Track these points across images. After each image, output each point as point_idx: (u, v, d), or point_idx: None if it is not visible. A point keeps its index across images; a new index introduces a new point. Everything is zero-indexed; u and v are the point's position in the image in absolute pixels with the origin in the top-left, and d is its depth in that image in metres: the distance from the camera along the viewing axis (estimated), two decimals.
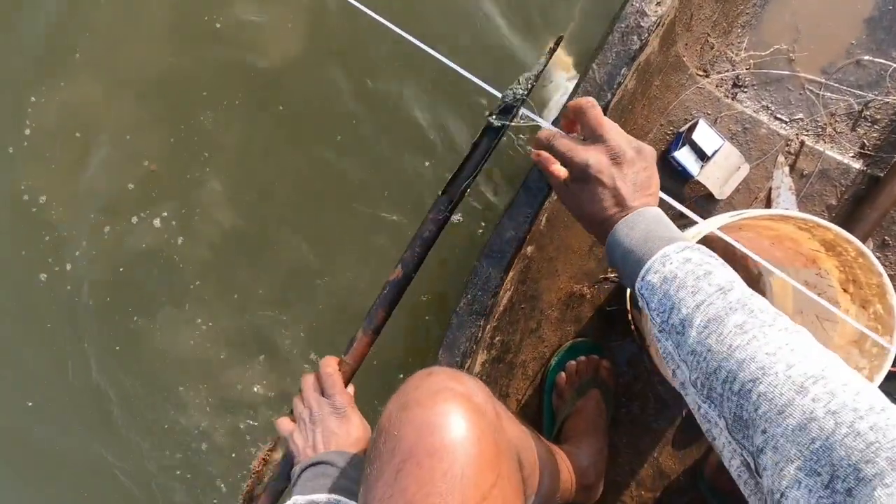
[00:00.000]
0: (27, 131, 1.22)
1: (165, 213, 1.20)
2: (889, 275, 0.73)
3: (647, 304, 0.55)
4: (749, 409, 0.43)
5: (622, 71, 0.81)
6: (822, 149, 1.01)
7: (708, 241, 0.71)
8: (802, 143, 1.02)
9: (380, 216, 1.17)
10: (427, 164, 1.16)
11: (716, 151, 0.96)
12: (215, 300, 1.20)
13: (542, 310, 1.02)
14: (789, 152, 1.03)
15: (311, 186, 1.19)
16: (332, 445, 0.68)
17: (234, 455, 1.18)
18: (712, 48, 1.07)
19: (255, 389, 1.19)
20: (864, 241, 0.95)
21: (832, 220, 1.00)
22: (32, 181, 1.22)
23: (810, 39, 1.06)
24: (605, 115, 0.64)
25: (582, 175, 0.63)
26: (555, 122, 0.71)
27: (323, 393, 0.72)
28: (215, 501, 1.18)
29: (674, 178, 1.01)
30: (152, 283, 1.20)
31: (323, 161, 1.18)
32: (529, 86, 0.73)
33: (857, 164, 1.01)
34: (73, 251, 1.21)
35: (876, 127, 1.03)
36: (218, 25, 1.19)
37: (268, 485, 0.75)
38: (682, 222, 0.75)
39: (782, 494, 0.39)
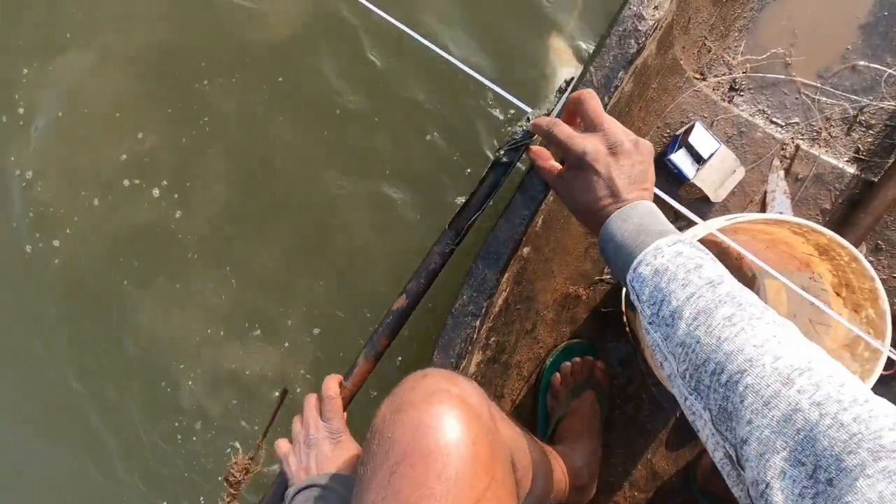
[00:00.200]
0: (19, 107, 1.21)
1: (165, 183, 1.19)
2: (882, 279, 0.73)
3: (638, 297, 0.56)
4: (735, 400, 0.44)
5: (619, 74, 0.81)
6: (817, 153, 1.02)
7: (703, 244, 0.71)
8: (798, 147, 1.03)
9: (381, 191, 1.16)
10: (428, 137, 1.15)
11: (712, 154, 0.97)
12: (212, 275, 1.18)
13: (537, 311, 1.02)
14: (784, 156, 1.03)
15: (312, 160, 1.18)
16: (325, 469, 0.68)
17: (225, 431, 1.17)
18: (709, 51, 1.07)
19: (251, 367, 1.17)
20: (857, 245, 0.96)
21: (826, 225, 1.00)
22: (22, 155, 1.21)
23: (807, 44, 1.06)
24: None
25: (578, 163, 0.63)
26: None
27: (322, 415, 0.73)
28: (208, 467, 1.17)
29: (669, 181, 1.01)
30: (147, 257, 1.19)
31: (324, 135, 1.17)
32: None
33: (851, 169, 1.01)
34: (64, 226, 1.20)
35: (870, 132, 1.03)
36: None
37: None
38: (679, 224, 0.75)
39: (767, 485, 0.39)
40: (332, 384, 0.75)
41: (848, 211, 1.00)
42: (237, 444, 0.77)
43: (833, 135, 1.04)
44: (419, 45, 0.72)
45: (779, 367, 0.43)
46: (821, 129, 1.05)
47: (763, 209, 1.03)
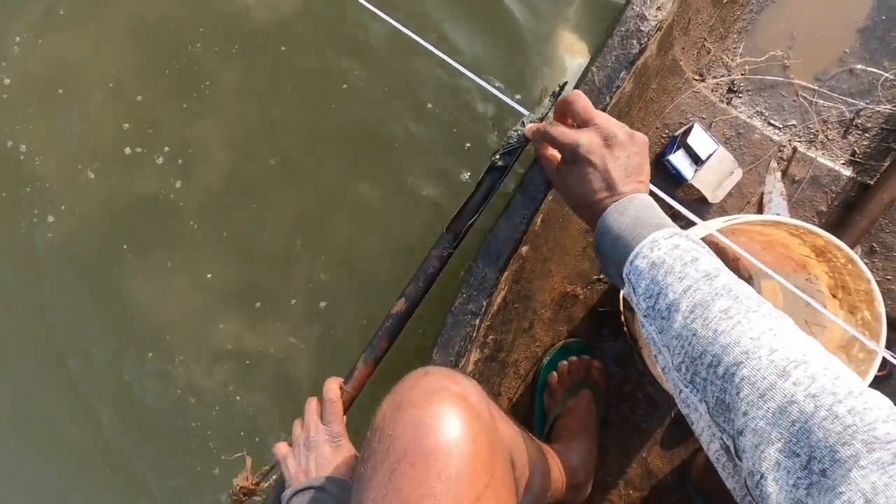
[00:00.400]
0: (7, 80, 1.20)
1: (166, 149, 1.17)
2: (876, 281, 0.74)
3: (634, 290, 0.55)
4: (731, 392, 0.44)
5: (621, 74, 0.81)
6: (813, 155, 1.03)
7: None
8: (795, 150, 1.03)
9: (384, 164, 1.15)
10: (430, 105, 1.15)
11: (710, 156, 0.97)
12: (212, 247, 1.17)
13: (535, 309, 1.02)
14: (782, 158, 1.04)
15: (315, 132, 1.17)
16: (324, 472, 0.68)
17: (217, 409, 1.16)
18: (709, 53, 1.08)
19: (250, 341, 1.16)
20: (852, 247, 0.97)
21: (822, 227, 1.01)
22: (16, 128, 1.20)
23: (805, 47, 1.07)
24: None
25: (572, 157, 0.63)
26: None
27: (322, 418, 0.73)
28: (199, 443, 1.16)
29: (668, 182, 1.02)
30: (145, 229, 1.18)
31: (328, 107, 1.16)
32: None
33: (847, 172, 1.02)
34: (60, 197, 1.18)
35: (866, 135, 1.04)
36: None
37: None
38: (678, 224, 0.75)
39: (762, 476, 0.40)
40: (332, 387, 0.75)
41: (844, 213, 1.00)
42: (245, 455, 0.77)
43: (830, 137, 1.05)
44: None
45: (775, 359, 0.43)
46: (818, 131, 1.05)
47: (760, 211, 1.03)
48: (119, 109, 1.19)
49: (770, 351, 0.44)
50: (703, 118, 1.04)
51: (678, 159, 0.98)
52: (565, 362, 0.99)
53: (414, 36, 0.73)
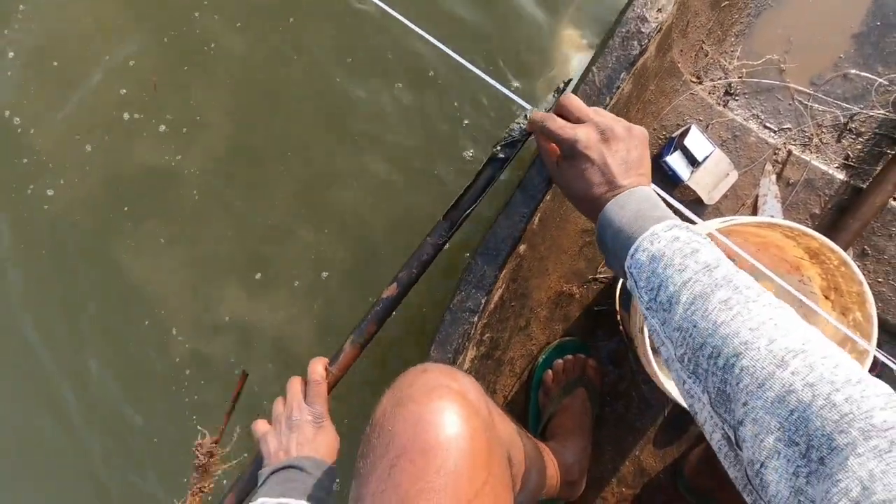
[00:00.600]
0: (10, 52, 1.19)
1: (169, 118, 1.17)
2: (868, 283, 0.75)
3: (636, 283, 0.56)
4: (732, 382, 0.44)
5: (622, 75, 0.82)
6: (808, 158, 1.04)
7: None
8: (790, 153, 1.04)
9: (386, 139, 1.15)
10: (431, 73, 1.15)
11: (706, 157, 0.98)
12: (212, 218, 1.16)
13: (531, 308, 1.03)
14: (777, 161, 1.05)
15: (320, 104, 1.16)
16: (305, 452, 0.67)
17: (216, 383, 1.15)
18: (706, 55, 1.08)
19: (250, 313, 1.15)
20: (845, 249, 0.98)
21: (815, 229, 1.02)
22: (13, 100, 1.19)
23: (801, 51, 1.08)
24: None
25: (571, 152, 0.63)
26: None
27: (305, 398, 0.72)
28: (195, 419, 1.15)
29: (664, 183, 1.03)
30: (146, 199, 1.17)
31: (332, 78, 1.16)
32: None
33: (841, 175, 1.03)
34: (58, 171, 1.17)
35: (860, 139, 1.06)
36: None
37: (235, 485, 0.73)
38: None
39: (762, 465, 0.40)
40: (318, 367, 0.73)
41: (837, 216, 1.02)
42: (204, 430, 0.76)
43: (824, 141, 1.07)
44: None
45: (773, 349, 0.43)
46: (812, 135, 1.06)
47: (754, 212, 1.05)
48: (117, 78, 1.17)
49: (769, 341, 0.44)
50: (700, 120, 1.05)
51: (675, 160, 0.99)
52: (561, 361, 1.00)
53: (417, 29, 0.74)
